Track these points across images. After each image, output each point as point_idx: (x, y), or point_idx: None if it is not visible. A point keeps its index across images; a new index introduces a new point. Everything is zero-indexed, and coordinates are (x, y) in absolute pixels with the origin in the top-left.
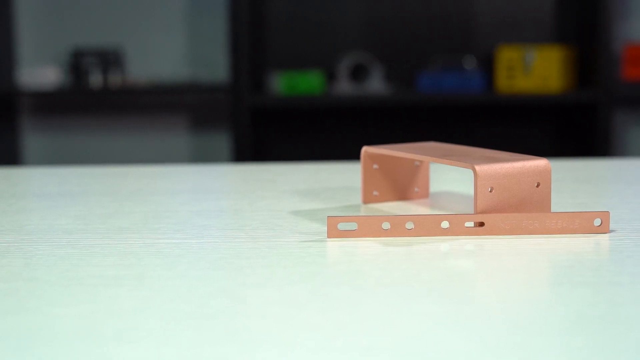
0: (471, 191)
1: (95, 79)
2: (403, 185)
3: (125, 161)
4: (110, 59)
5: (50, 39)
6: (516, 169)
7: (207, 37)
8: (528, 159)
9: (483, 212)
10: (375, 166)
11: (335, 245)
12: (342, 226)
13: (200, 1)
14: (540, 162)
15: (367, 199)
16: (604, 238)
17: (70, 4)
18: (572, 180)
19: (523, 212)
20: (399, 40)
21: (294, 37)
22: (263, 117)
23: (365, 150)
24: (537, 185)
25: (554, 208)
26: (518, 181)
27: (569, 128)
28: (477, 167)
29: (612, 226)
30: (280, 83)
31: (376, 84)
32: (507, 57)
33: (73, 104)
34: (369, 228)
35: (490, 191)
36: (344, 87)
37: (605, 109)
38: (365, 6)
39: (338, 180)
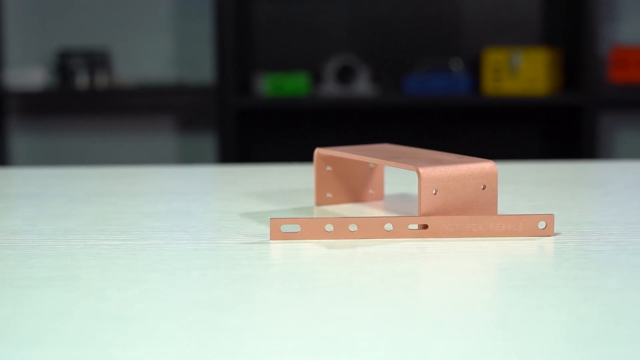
0: None
1: (82, 80)
2: (357, 187)
3: (111, 162)
4: (97, 60)
5: (37, 40)
6: (461, 172)
7: (194, 39)
8: (474, 162)
9: (427, 214)
10: (328, 168)
11: (277, 248)
12: (285, 228)
13: (187, 3)
14: (486, 165)
15: (320, 201)
16: (548, 241)
17: (57, 5)
18: (534, 182)
19: (468, 214)
20: (386, 42)
21: (280, 38)
22: (249, 119)
23: (318, 152)
24: (483, 188)
25: (509, 210)
26: (463, 184)
27: (555, 130)
28: (421, 170)
29: (559, 229)
30: (266, 84)
31: (363, 86)
32: (494, 59)
33: (60, 105)
34: (312, 230)
35: (435, 193)
36: (331, 88)
37: (591, 112)
38: (352, 8)
39: (300, 182)
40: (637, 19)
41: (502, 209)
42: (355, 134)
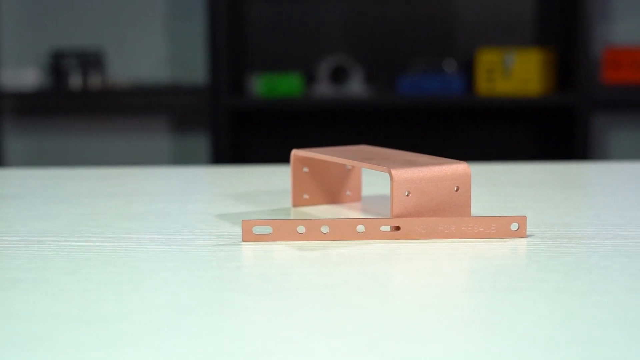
0: None
1: (76, 81)
2: (334, 188)
3: (105, 163)
4: (90, 61)
5: (31, 41)
6: (434, 173)
7: (187, 39)
8: (448, 163)
9: (399, 216)
10: (305, 169)
11: (249, 249)
12: (257, 230)
13: (180, 3)
14: (460, 167)
15: (297, 202)
16: (520, 243)
17: (51, 5)
18: (514, 184)
19: (442, 216)
20: (380, 42)
21: (274, 38)
22: (242, 119)
23: (294, 153)
24: (457, 190)
25: (485, 212)
26: (436, 185)
27: (549, 131)
28: (393, 171)
29: (533, 230)
30: (260, 85)
31: (356, 87)
32: (487, 60)
33: (54, 105)
34: (283, 232)
35: (407, 195)
36: (324, 89)
37: (584, 112)
38: (346, 8)
39: (281, 183)
40: (631, 20)
41: (478, 210)
42: (349, 135)
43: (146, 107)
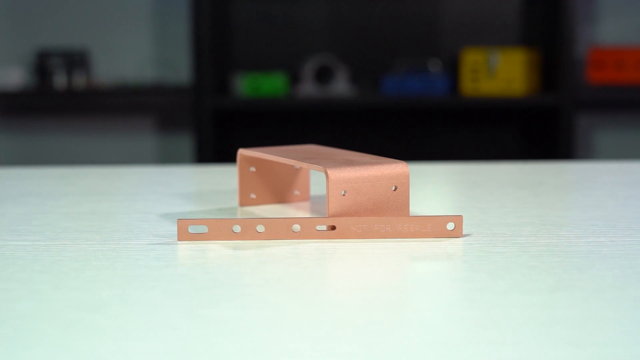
0: None
1: (61, 80)
2: (282, 188)
3: (89, 162)
4: (75, 60)
5: (16, 40)
6: (372, 173)
7: (172, 39)
8: (386, 163)
9: (336, 215)
10: (252, 169)
11: (183, 249)
12: (193, 229)
13: (165, 3)
14: (398, 166)
15: (244, 202)
16: (454, 242)
17: (35, 5)
18: (467, 184)
19: (380, 215)
20: (364, 42)
21: (259, 38)
22: (226, 119)
23: (241, 152)
24: (395, 189)
25: (431, 212)
26: (373, 185)
27: (533, 131)
28: (329, 171)
29: (472, 230)
30: (244, 85)
31: (341, 87)
32: (472, 60)
33: (38, 105)
34: (219, 231)
35: (344, 195)
36: (309, 89)
37: (568, 113)
38: (331, 8)
39: (235, 182)
40: (615, 20)
41: (424, 210)
42: (334, 135)
43: (131, 107)
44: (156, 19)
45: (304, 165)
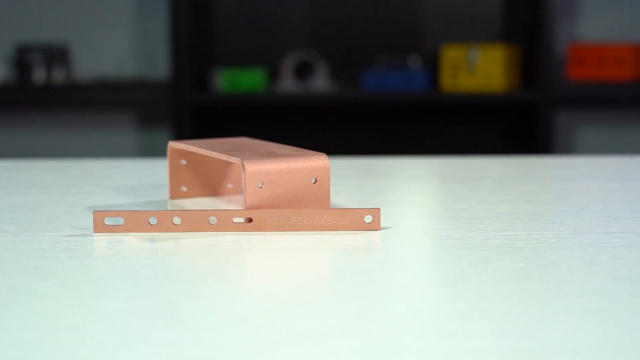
0: None
1: (40, 75)
2: (214, 181)
3: (69, 157)
4: (55, 55)
5: None
6: (291, 165)
7: (152, 34)
8: (306, 155)
9: (253, 207)
10: (183, 162)
11: (98, 240)
12: (109, 221)
13: None
14: (318, 159)
15: (174, 194)
16: (370, 235)
17: None
18: (407, 178)
19: (299, 208)
20: (344, 38)
21: (238, 34)
22: (205, 114)
23: (171, 145)
24: (315, 182)
25: (357, 205)
26: (292, 177)
27: (513, 128)
28: (245, 163)
29: (393, 223)
30: (222, 80)
31: (321, 82)
32: (452, 56)
33: (17, 100)
34: (135, 223)
35: (261, 187)
36: (288, 85)
37: (548, 109)
38: (311, 3)
39: None
40: (595, 17)
41: (348, 203)
42: (313, 131)
43: (110, 102)
44: (136, 14)
45: (222, 157)
